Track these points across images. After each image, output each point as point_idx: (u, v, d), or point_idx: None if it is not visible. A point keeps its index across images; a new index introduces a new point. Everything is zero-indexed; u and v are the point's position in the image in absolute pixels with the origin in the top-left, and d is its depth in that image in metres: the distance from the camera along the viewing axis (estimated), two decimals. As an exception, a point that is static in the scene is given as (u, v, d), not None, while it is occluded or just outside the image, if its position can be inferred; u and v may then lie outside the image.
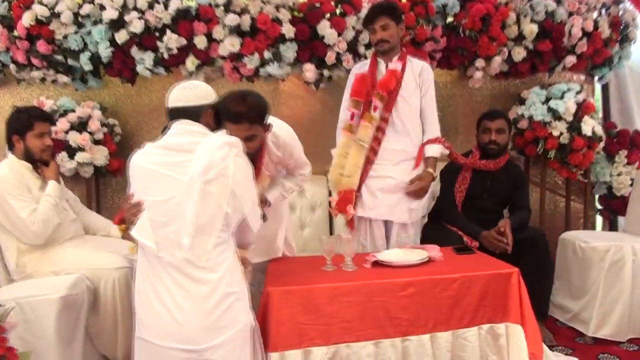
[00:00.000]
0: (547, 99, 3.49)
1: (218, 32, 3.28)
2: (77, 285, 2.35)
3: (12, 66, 3.36)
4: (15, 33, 3.26)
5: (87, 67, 3.32)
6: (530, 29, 3.40)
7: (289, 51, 3.36)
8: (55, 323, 2.17)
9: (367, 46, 3.42)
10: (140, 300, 1.84)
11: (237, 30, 3.32)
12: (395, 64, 2.81)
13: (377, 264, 2.35)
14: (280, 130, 2.36)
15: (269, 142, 2.34)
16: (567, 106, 3.37)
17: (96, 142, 3.42)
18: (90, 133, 3.37)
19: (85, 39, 3.27)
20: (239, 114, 2.08)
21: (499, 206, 3.16)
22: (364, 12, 3.35)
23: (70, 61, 3.34)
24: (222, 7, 3.29)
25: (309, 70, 3.43)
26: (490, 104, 3.85)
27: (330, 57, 3.39)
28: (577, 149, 3.40)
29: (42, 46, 3.23)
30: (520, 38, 3.47)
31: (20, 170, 2.57)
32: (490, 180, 3.13)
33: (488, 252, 2.72)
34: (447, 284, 2.14)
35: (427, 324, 2.13)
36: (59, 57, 3.33)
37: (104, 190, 3.78)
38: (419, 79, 2.83)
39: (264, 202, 2.37)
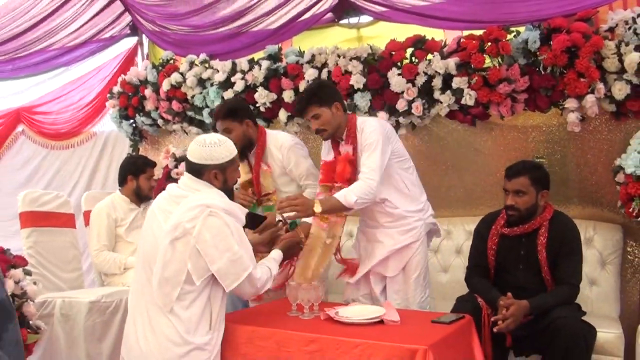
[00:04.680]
0: (652, 146, 2.66)
1: (303, 86, 3.61)
2: (114, 294, 2.93)
3: (160, 121, 4.32)
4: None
5: (208, 120, 4.03)
6: (631, 59, 2.71)
7: (362, 100, 3.47)
8: (83, 321, 2.76)
9: (443, 90, 3.26)
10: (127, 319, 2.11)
11: (318, 84, 3.59)
12: (345, 148, 2.57)
13: (329, 316, 2.30)
14: (279, 134, 2.88)
15: (271, 147, 2.80)
16: (668, 157, 2.51)
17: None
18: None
19: (206, 98, 4.00)
20: (214, 114, 2.86)
21: (538, 282, 2.43)
22: (436, 57, 3.23)
23: (198, 116, 4.12)
24: (307, 64, 3.63)
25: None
26: (607, 150, 3.12)
27: (401, 105, 3.36)
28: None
29: (175, 105, 4.07)
30: (622, 71, 2.80)
31: (116, 203, 3.34)
32: (525, 249, 2.47)
33: None
34: (349, 347, 1.95)
35: (329, 386, 2.01)
36: (191, 113, 4.13)
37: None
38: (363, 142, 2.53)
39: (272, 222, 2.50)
